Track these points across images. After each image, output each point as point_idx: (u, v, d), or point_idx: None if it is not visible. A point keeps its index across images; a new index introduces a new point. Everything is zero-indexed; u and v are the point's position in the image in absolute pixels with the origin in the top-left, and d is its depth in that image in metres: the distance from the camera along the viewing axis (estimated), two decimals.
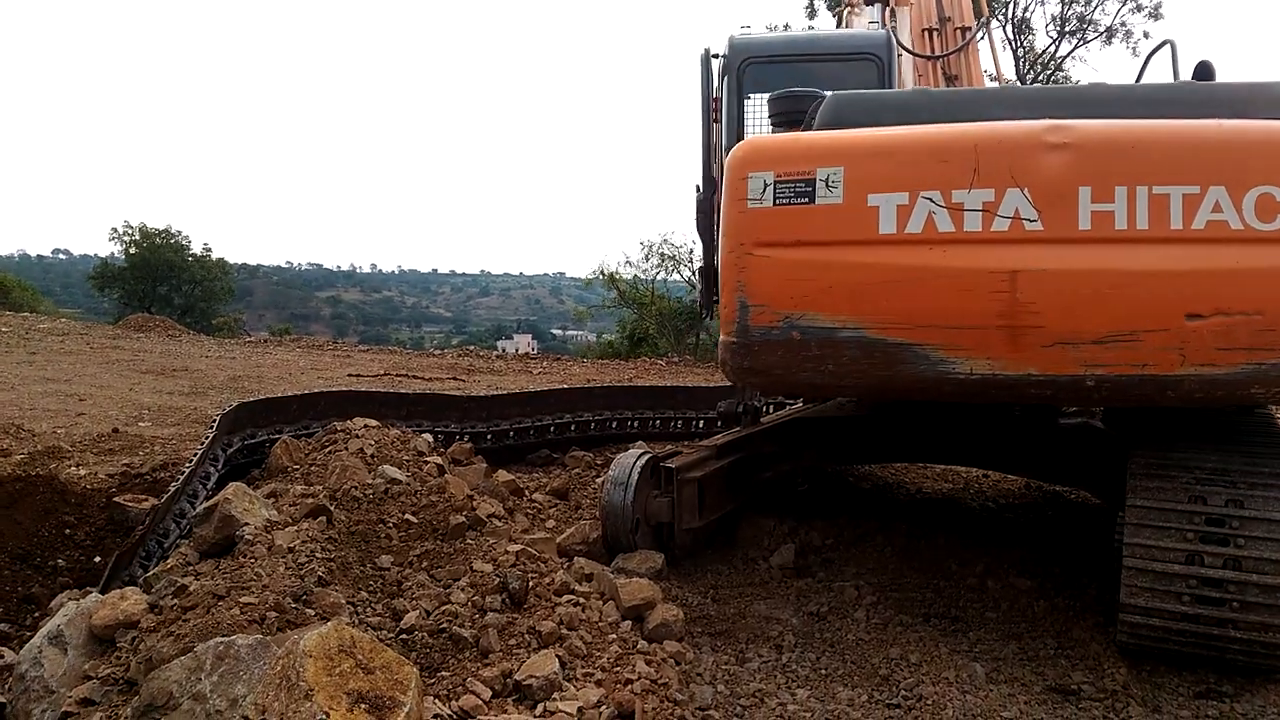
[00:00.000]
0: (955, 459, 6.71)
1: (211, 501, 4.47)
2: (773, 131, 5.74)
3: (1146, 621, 4.03)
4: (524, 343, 55.84)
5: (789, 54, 6.63)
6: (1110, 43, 27.75)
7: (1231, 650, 3.97)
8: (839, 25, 10.61)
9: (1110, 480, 5.11)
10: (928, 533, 6.04)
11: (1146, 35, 27.32)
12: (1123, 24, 27.63)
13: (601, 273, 25.28)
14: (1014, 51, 29.11)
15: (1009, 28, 29.01)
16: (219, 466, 5.63)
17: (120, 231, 40.60)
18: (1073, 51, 27.51)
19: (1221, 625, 3.90)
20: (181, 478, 5.26)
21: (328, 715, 2.79)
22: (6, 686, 3.74)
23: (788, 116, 5.35)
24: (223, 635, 3.20)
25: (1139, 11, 27.34)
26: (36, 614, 4.90)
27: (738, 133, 6.16)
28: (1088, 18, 27.54)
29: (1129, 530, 4.05)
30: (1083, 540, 5.69)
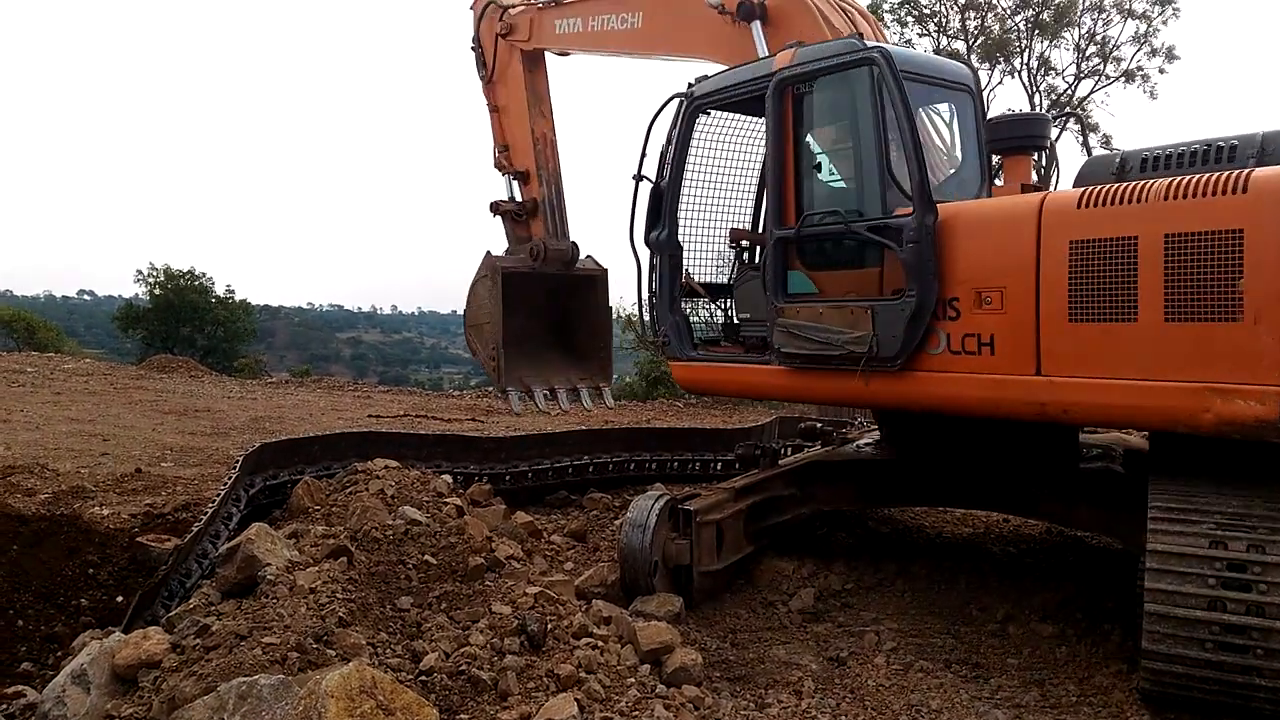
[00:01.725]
0: (975, 503, 6.67)
1: (234, 542, 4.51)
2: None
3: (1169, 668, 3.99)
4: None
5: (923, 74, 6.01)
6: (1131, 82, 27.74)
7: (1257, 698, 3.92)
8: None
9: (1131, 525, 5.08)
10: (948, 577, 6.01)
11: (1149, 73, 27.33)
12: (1139, 68, 27.67)
13: (618, 315, 25.35)
14: (1029, 95, 29.25)
15: (1024, 72, 29.18)
16: (241, 507, 5.68)
17: (145, 273, 41.05)
18: (1091, 93, 27.54)
19: (1246, 672, 3.86)
20: (204, 518, 5.31)
21: None
22: None
23: (1021, 141, 5.28)
24: (245, 675, 3.23)
25: (1155, 56, 27.40)
26: (59, 653, 4.94)
27: (885, 143, 5.47)
28: (1107, 56, 27.62)
29: (1150, 575, 4.03)
30: (1105, 586, 5.65)
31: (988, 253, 4.93)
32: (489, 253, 9.17)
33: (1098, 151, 5.44)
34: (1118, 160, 4.99)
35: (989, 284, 4.88)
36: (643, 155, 6.62)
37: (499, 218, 10.03)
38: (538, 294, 9.10)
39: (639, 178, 6.61)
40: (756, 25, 6.89)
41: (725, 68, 6.60)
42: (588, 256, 9.15)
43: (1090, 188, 4.58)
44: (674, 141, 6.50)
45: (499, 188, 9.32)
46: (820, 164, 5.95)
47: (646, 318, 6.91)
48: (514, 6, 9.67)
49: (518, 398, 8.44)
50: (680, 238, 6.78)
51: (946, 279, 5.01)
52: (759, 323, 6.23)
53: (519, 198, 9.70)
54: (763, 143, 7.17)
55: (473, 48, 10.11)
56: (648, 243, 6.67)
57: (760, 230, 7.32)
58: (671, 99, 6.54)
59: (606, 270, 9.39)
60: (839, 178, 5.92)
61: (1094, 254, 4.45)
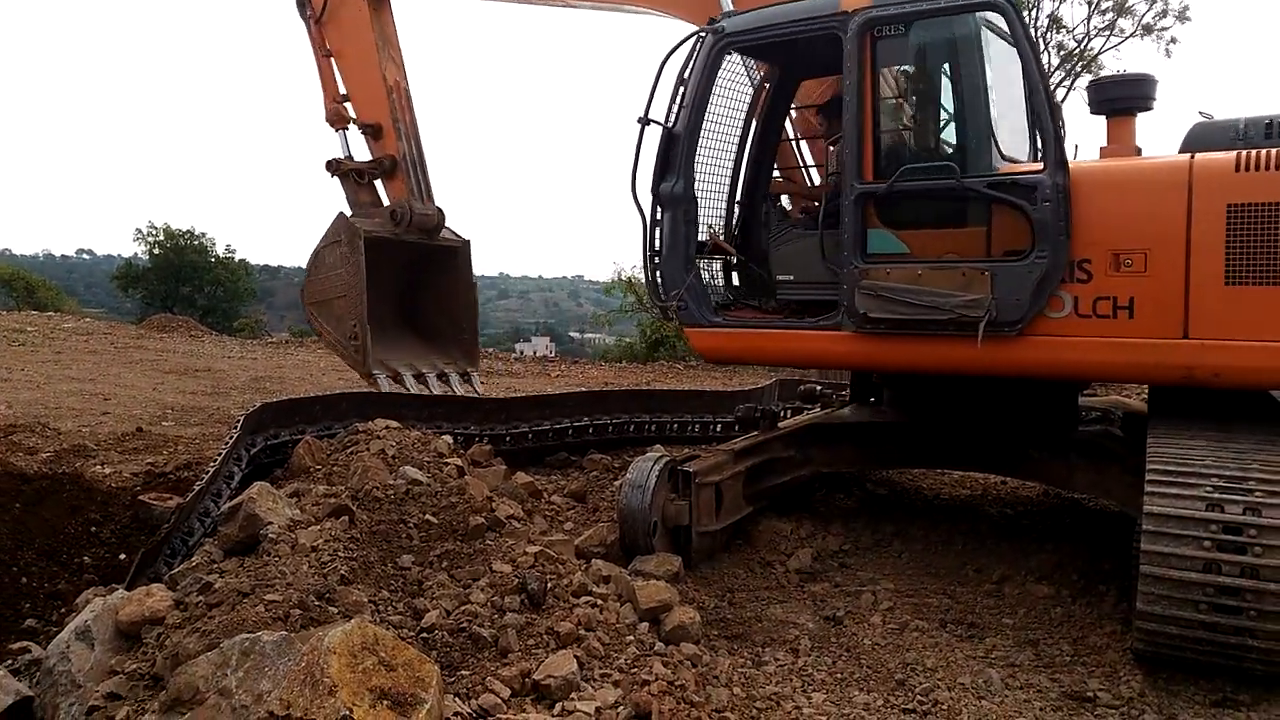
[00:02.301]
0: (974, 465, 6.69)
1: (236, 501, 4.53)
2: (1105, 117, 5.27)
3: (1163, 629, 4.04)
4: (542, 345, 55.90)
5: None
6: (1148, 35, 27.40)
7: (1249, 659, 3.97)
8: None
9: (1129, 488, 5.11)
10: (945, 538, 6.06)
11: (1174, 39, 27.05)
12: (1150, 26, 27.34)
13: (619, 277, 25.32)
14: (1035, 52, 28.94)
15: (1033, 29, 28.87)
16: (242, 466, 5.70)
17: (145, 232, 41.02)
18: (1102, 50, 27.25)
19: (1239, 634, 3.91)
20: (205, 477, 5.34)
21: (350, 713, 2.84)
22: (35, 680, 3.80)
23: (1128, 102, 5.18)
24: (248, 632, 3.25)
25: (1165, 15, 27.12)
26: (63, 609, 4.98)
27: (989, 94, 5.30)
28: (1122, 8, 27.24)
29: (1145, 538, 4.06)
30: (1101, 548, 5.69)
31: (1128, 214, 4.85)
32: (341, 214, 7.95)
33: (1204, 117, 5.27)
34: (1242, 126, 4.96)
35: (1129, 246, 4.78)
36: (651, 96, 5.98)
37: (337, 178, 8.72)
38: (396, 264, 8.06)
39: (646, 121, 5.96)
40: None
41: (681, 24, 6.47)
42: (445, 226, 8.27)
43: (1246, 151, 4.55)
44: (693, 82, 5.93)
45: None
46: (915, 115, 5.65)
47: (654, 279, 6.16)
48: None
49: (386, 382, 7.57)
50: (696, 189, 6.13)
51: (1076, 240, 4.87)
52: (807, 284, 5.95)
53: (356, 156, 8.54)
54: (748, 93, 6.72)
55: None
56: (657, 194, 6.04)
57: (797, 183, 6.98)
58: (692, 36, 6.01)
59: (469, 241, 8.47)
60: (934, 130, 5.65)
61: (1256, 217, 4.45)
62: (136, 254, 42.99)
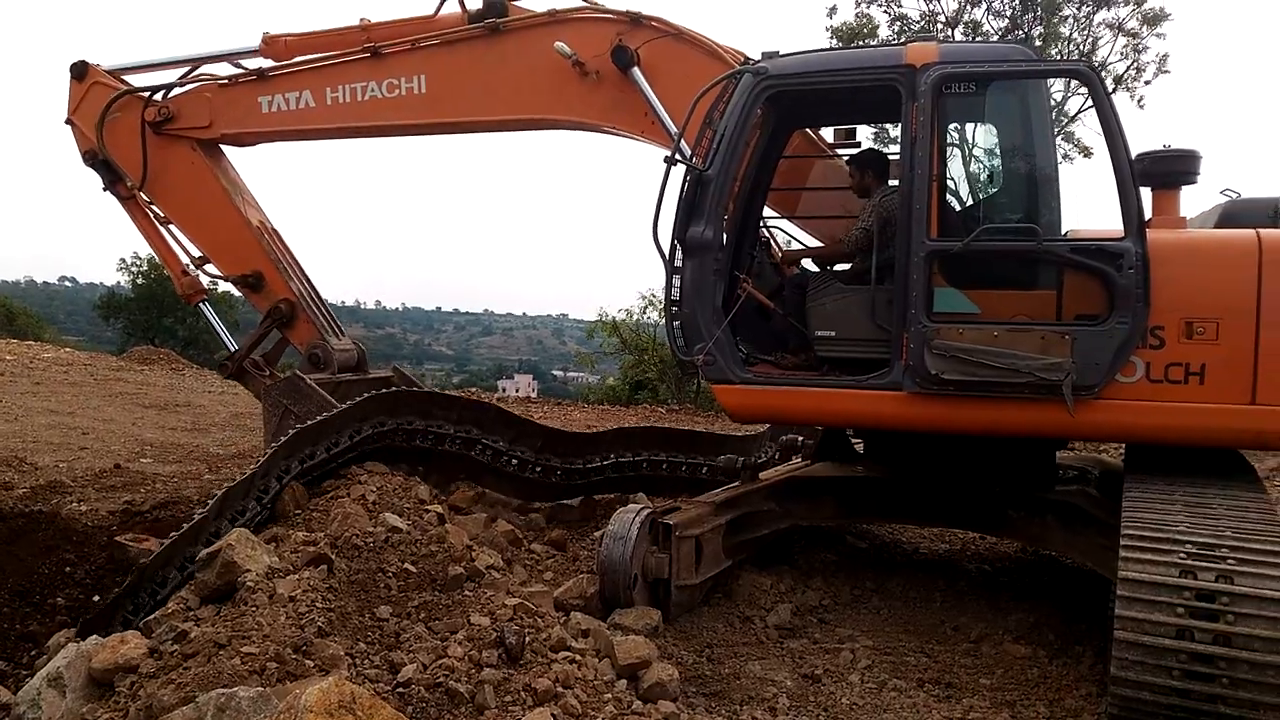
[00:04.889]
0: (951, 521, 6.73)
1: (214, 547, 4.51)
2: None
3: (1137, 695, 4.05)
4: (525, 383, 55.82)
5: None
6: (1119, 87, 27.54)
7: None
8: None
9: (1104, 550, 5.15)
10: (924, 594, 6.08)
11: (1143, 98, 27.42)
12: (1127, 77, 27.48)
13: (602, 320, 25.35)
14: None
15: None
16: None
17: (129, 262, 40.83)
18: (1083, 108, 27.47)
19: (1212, 701, 3.92)
20: (243, 476, 5.18)
21: None
22: None
23: (1173, 177, 5.35)
24: (224, 685, 3.24)
25: (1140, 73, 27.36)
26: (34, 652, 4.93)
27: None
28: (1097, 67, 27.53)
29: (1120, 603, 4.08)
30: (1078, 607, 5.72)
31: (1201, 284, 5.03)
32: (266, 389, 7.34)
33: (1229, 194, 5.55)
34: (1277, 205, 5.29)
35: (1201, 315, 4.96)
36: (679, 135, 5.71)
37: (235, 382, 8.12)
38: None
39: (673, 160, 5.62)
40: (637, 71, 6.52)
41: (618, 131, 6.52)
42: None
43: None
44: (729, 125, 5.65)
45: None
46: (991, 174, 5.77)
47: (674, 331, 5.84)
48: (163, 89, 7.96)
49: None
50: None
51: (1150, 307, 5.00)
52: (852, 342, 5.80)
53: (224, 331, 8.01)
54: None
55: (89, 163, 8.15)
56: (684, 240, 5.72)
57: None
58: (729, 76, 5.79)
59: (395, 366, 8.26)
60: (1012, 190, 5.77)
61: None
62: (120, 283, 42.78)
